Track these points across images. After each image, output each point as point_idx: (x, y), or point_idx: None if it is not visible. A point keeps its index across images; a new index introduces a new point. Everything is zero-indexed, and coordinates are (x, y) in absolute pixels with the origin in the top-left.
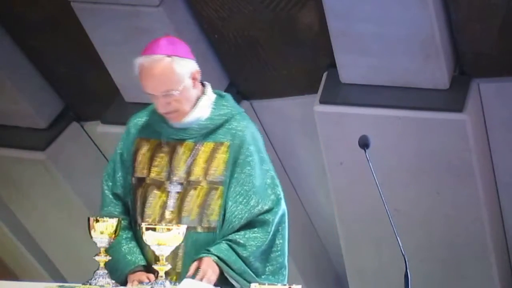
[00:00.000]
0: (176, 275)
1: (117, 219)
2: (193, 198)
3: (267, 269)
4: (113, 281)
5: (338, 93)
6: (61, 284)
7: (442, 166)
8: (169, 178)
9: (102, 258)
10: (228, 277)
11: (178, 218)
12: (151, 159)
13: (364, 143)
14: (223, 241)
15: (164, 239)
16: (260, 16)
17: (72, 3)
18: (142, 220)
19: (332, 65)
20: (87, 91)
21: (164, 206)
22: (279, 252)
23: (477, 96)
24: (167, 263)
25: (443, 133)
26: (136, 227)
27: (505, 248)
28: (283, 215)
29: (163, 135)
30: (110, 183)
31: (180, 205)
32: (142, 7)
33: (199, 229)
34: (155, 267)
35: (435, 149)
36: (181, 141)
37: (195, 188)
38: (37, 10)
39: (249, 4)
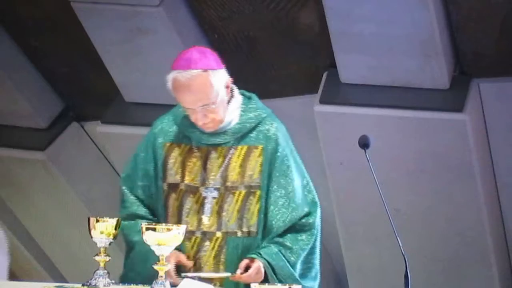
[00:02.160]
0: (220, 281)
1: (116, 219)
2: (232, 203)
3: (304, 270)
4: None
5: (338, 93)
6: (60, 284)
7: (442, 166)
8: (203, 183)
9: (102, 258)
10: (270, 280)
11: (217, 223)
12: (183, 164)
13: (364, 143)
14: (273, 245)
15: (164, 239)
16: (260, 16)
17: (72, 3)
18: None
19: (332, 65)
20: (87, 91)
21: (201, 212)
22: (313, 255)
23: (477, 96)
24: (167, 263)
25: (443, 133)
26: None
27: (505, 248)
28: (319, 218)
29: (194, 140)
30: (130, 185)
31: (218, 210)
32: (142, 7)
33: (239, 234)
34: (155, 267)
35: (435, 149)
36: (214, 146)
37: (233, 193)
38: (37, 10)
39: (249, 4)
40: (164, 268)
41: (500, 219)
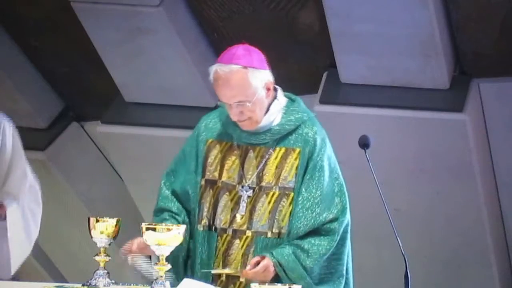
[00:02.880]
0: (246, 281)
1: (116, 219)
2: (265, 204)
3: (325, 275)
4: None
5: (338, 93)
6: (60, 284)
7: (442, 166)
8: (240, 182)
9: (102, 258)
10: (282, 280)
11: (249, 222)
12: (222, 162)
13: (364, 143)
14: (289, 246)
15: (164, 239)
16: (260, 16)
17: (72, 3)
18: (213, 223)
19: (332, 65)
20: (87, 91)
21: (235, 210)
22: (338, 260)
23: (477, 96)
24: (167, 263)
25: (443, 133)
26: (200, 228)
27: (505, 248)
28: (347, 225)
29: (235, 138)
30: (170, 179)
31: (251, 209)
32: (142, 7)
33: (269, 235)
34: (155, 267)
35: (435, 149)
36: (253, 145)
37: (267, 194)
38: (37, 10)
39: (249, 4)
40: (164, 268)
41: (500, 219)
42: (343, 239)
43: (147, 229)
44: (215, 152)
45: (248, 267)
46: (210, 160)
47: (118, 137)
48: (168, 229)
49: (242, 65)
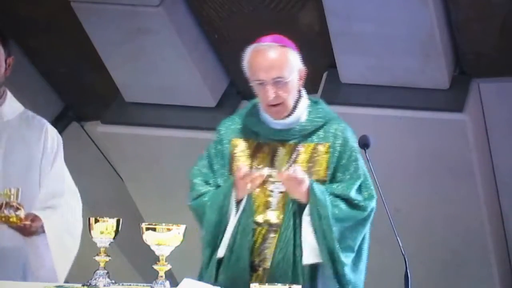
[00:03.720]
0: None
1: (116, 219)
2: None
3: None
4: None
5: (338, 93)
6: (60, 284)
7: (442, 166)
8: (271, 177)
9: (102, 258)
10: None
11: (282, 217)
12: (251, 159)
13: (364, 143)
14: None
15: (164, 239)
16: (260, 16)
17: (72, 3)
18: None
19: (332, 65)
20: (87, 91)
21: (267, 206)
22: (353, 240)
23: (477, 96)
24: (167, 263)
25: (443, 133)
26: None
27: (505, 248)
28: (371, 210)
29: (262, 135)
30: (201, 177)
31: (284, 205)
32: (142, 7)
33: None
34: (155, 267)
35: (435, 149)
36: (281, 142)
37: None
38: (37, 10)
39: (249, 4)
40: (164, 268)
41: (500, 219)
42: (364, 220)
43: (147, 229)
44: (241, 151)
45: (286, 172)
46: (236, 158)
47: (118, 137)
48: (168, 229)
49: (282, 44)
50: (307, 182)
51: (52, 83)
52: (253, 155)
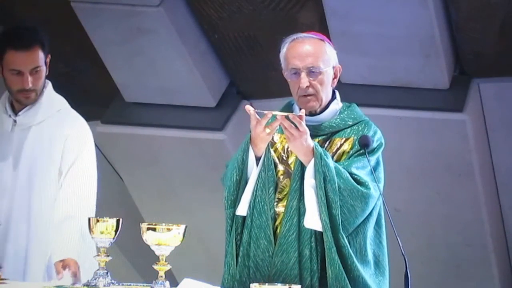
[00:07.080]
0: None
1: (116, 219)
2: None
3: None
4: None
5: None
6: (60, 284)
7: (442, 166)
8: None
9: (102, 258)
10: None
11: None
12: (282, 153)
13: (364, 143)
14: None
15: (164, 239)
16: (260, 16)
17: (72, 3)
18: (276, 212)
19: None
20: (87, 91)
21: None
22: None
23: (477, 96)
24: (167, 263)
25: (443, 133)
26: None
27: (505, 248)
28: (375, 192)
29: None
30: None
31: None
32: (142, 7)
33: None
34: (155, 267)
35: (435, 149)
36: (312, 137)
37: None
38: (37, 10)
39: (249, 4)
40: (164, 268)
41: (500, 219)
42: (365, 198)
43: (147, 229)
44: (274, 146)
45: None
46: (271, 149)
47: (118, 137)
48: (168, 229)
49: (320, 38)
50: (311, 142)
51: (52, 83)
52: (283, 151)
